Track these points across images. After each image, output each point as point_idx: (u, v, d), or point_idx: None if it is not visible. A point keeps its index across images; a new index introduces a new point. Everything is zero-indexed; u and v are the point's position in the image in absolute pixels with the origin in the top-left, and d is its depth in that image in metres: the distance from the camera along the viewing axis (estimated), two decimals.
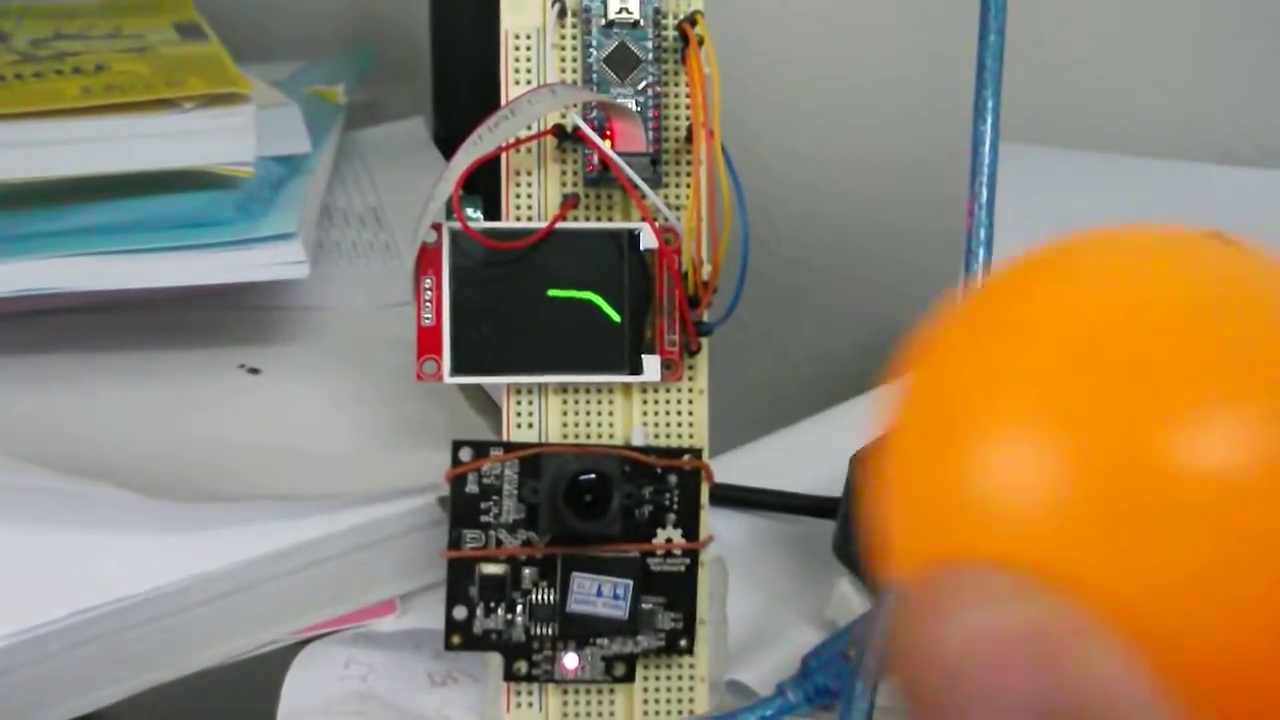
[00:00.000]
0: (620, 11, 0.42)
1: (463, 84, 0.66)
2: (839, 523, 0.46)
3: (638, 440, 0.42)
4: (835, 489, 0.46)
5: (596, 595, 0.40)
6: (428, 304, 0.41)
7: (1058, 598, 0.11)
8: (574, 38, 0.42)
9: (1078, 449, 0.11)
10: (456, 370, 0.41)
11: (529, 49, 0.42)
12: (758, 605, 0.45)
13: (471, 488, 0.41)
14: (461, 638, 0.40)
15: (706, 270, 0.42)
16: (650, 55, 0.42)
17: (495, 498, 0.41)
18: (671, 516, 0.41)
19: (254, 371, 0.49)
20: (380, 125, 0.66)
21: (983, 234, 0.37)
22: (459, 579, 0.40)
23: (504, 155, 0.42)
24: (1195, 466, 0.11)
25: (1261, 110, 0.66)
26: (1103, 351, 0.11)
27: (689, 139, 0.42)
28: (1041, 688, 0.11)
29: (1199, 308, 0.12)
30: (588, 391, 0.42)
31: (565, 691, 0.41)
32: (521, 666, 0.40)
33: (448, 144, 0.66)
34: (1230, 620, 0.10)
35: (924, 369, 0.13)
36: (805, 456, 0.51)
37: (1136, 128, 0.66)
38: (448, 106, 0.67)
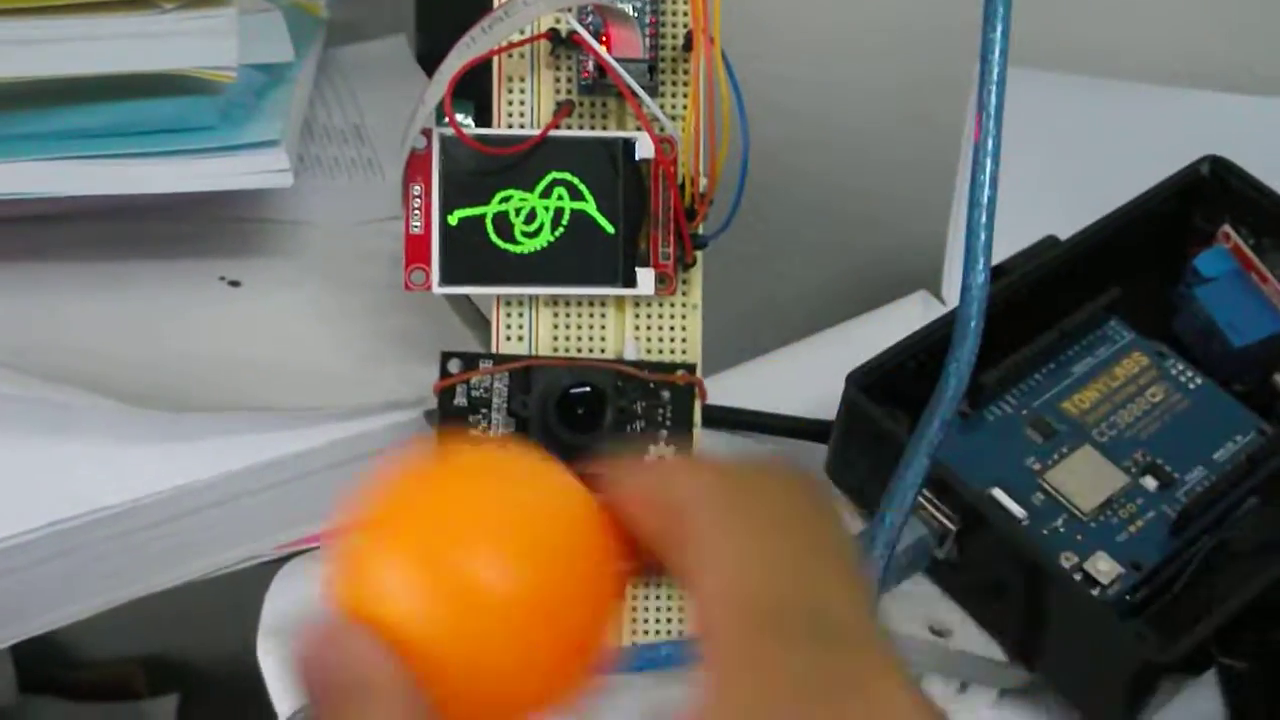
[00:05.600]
0: None
1: (445, 2, 0.65)
2: (832, 446, 0.45)
3: (630, 354, 0.41)
4: (828, 412, 0.45)
5: None
6: (416, 212, 0.40)
7: (370, 637, 0.23)
8: None
9: (419, 576, 0.24)
10: (446, 280, 0.40)
11: None
12: None
13: (460, 400, 0.40)
14: None
15: (704, 182, 0.41)
16: None
17: (484, 410, 0.40)
18: (664, 433, 0.41)
19: (234, 284, 0.48)
20: (362, 43, 0.64)
21: (990, 144, 0.36)
22: None
23: (496, 60, 0.41)
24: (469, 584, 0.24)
25: (1260, 39, 0.65)
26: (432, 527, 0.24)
27: (686, 47, 0.41)
28: (332, 672, 0.23)
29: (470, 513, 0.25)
30: (580, 304, 0.41)
31: None
32: None
33: (429, 62, 0.65)
34: (470, 657, 0.23)
35: (374, 513, 0.25)
36: (798, 379, 0.50)
37: (1135, 53, 0.65)
38: (430, 24, 0.66)
